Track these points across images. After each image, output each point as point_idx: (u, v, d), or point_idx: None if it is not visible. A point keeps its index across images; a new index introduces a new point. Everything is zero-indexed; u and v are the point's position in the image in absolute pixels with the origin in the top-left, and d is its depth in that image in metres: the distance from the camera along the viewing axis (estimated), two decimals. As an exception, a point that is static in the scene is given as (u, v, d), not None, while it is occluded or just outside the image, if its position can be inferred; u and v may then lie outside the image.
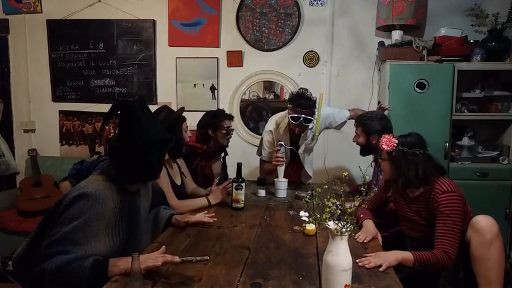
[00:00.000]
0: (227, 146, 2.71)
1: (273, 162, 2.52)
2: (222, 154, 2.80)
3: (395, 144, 1.83)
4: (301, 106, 2.45)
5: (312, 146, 2.87)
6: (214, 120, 2.57)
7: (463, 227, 1.74)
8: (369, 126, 2.40)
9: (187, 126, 2.38)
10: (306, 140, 2.74)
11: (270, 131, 2.73)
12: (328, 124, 2.82)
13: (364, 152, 2.52)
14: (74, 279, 1.26)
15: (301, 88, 2.67)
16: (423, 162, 1.81)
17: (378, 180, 2.47)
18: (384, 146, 1.87)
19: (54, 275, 1.26)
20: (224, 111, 2.72)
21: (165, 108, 2.29)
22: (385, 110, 2.68)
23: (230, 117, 2.68)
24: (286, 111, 2.63)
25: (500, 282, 1.71)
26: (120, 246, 1.47)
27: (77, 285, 1.27)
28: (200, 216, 1.90)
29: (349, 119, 2.84)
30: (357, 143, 2.50)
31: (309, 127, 2.62)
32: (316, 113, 2.55)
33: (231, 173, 2.65)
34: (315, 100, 2.52)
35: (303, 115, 2.45)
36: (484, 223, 1.72)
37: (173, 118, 2.21)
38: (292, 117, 2.49)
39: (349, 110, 2.86)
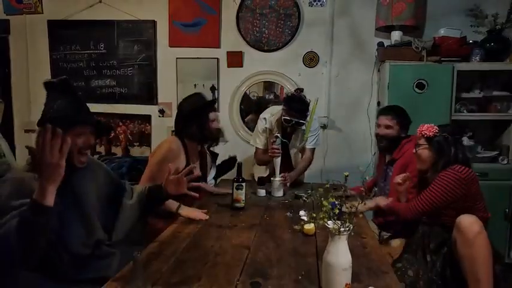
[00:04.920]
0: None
1: (269, 154, 2.58)
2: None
3: (436, 130, 1.96)
4: (293, 110, 2.56)
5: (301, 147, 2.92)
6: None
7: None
8: (406, 118, 2.41)
9: (215, 117, 2.34)
10: (296, 141, 2.80)
11: (264, 118, 2.82)
12: (306, 139, 2.81)
13: (388, 146, 2.39)
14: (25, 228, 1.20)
15: (297, 89, 2.70)
16: (463, 147, 1.99)
17: (386, 179, 2.44)
18: (425, 132, 1.98)
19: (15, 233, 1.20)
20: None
21: (198, 94, 2.42)
22: None
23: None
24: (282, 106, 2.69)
25: (489, 280, 1.68)
26: (73, 228, 1.44)
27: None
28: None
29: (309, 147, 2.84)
30: (384, 136, 2.39)
31: (302, 127, 2.71)
32: (309, 116, 2.64)
33: (231, 172, 2.66)
34: (309, 103, 2.61)
35: (295, 119, 2.57)
36: (465, 222, 1.72)
37: (199, 103, 2.27)
38: (284, 120, 2.61)
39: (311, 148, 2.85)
